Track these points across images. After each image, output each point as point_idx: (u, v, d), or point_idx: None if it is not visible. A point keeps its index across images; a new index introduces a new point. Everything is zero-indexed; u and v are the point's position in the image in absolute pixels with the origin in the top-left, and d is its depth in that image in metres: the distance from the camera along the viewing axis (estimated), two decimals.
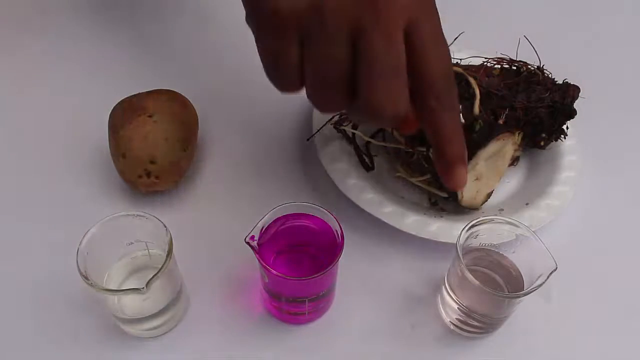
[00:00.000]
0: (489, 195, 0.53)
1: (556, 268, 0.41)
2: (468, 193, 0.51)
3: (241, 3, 0.35)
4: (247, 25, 0.34)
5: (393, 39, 0.32)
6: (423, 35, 0.33)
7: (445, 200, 0.53)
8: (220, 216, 0.54)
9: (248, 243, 0.41)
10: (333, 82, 0.33)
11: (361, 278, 0.50)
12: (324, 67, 0.33)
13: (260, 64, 0.34)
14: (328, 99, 0.34)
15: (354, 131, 0.56)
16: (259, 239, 0.41)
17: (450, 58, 0.35)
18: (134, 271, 0.47)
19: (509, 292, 0.46)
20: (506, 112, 0.51)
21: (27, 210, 0.54)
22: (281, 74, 0.34)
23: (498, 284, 0.47)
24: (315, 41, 0.32)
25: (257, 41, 0.34)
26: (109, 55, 0.67)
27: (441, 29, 0.34)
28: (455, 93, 0.35)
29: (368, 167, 0.56)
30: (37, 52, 0.67)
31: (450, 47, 0.35)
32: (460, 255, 0.42)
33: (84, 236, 0.41)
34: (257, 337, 0.47)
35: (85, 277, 0.40)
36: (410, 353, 0.47)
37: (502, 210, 0.53)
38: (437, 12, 0.35)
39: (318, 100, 0.34)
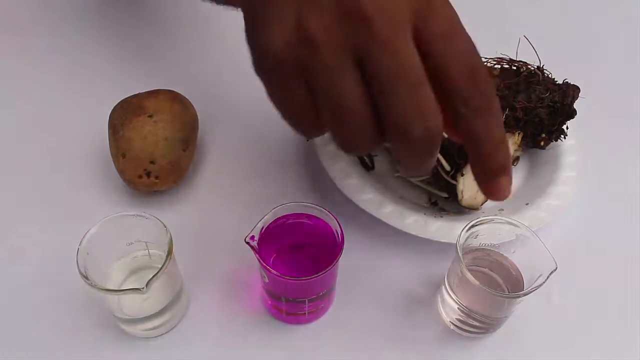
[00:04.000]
0: None
1: (556, 268, 0.41)
2: (468, 193, 0.51)
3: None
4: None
5: (400, 52, 0.27)
6: (434, 33, 0.28)
7: (445, 200, 0.53)
8: (220, 216, 0.54)
9: (248, 243, 0.41)
10: (349, 113, 0.28)
11: (361, 278, 0.50)
12: (333, 100, 0.28)
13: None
14: (351, 135, 0.29)
15: None
16: (259, 239, 0.41)
17: (473, 51, 0.29)
18: (134, 271, 0.47)
19: (509, 292, 0.46)
20: (506, 112, 0.51)
21: (27, 210, 0.54)
22: (296, 117, 0.31)
23: (498, 284, 0.47)
24: (318, 75, 0.28)
25: (266, 92, 0.31)
26: (110, 56, 0.67)
27: (456, 19, 0.29)
28: (489, 92, 0.29)
29: (368, 167, 0.56)
30: (38, 53, 0.67)
31: None
32: (460, 255, 0.42)
33: (84, 236, 0.41)
34: (257, 337, 0.47)
35: (85, 277, 0.40)
36: (410, 353, 0.47)
37: (502, 210, 0.53)
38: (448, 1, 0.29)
39: (343, 140, 0.30)
